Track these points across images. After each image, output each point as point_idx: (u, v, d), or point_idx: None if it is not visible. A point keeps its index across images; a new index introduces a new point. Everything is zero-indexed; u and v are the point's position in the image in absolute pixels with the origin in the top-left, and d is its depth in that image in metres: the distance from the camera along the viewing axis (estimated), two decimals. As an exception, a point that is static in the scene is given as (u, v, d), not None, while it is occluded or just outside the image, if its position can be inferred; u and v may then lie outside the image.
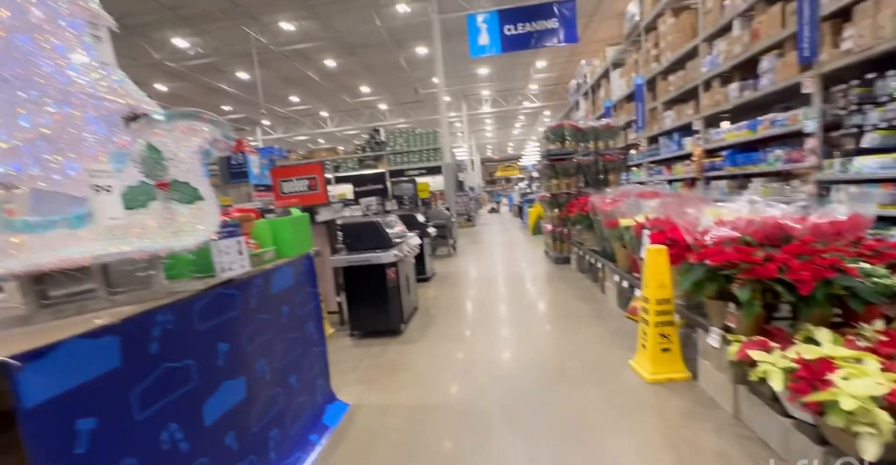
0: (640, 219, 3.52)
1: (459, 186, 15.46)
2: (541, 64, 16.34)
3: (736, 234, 2.40)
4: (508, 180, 37.14)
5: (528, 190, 17.72)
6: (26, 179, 1.43)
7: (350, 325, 4.21)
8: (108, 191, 1.32)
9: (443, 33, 10.84)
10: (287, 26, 11.34)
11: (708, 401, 2.47)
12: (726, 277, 2.19)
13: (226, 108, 18.36)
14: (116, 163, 1.38)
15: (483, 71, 16.94)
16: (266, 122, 20.70)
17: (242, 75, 14.58)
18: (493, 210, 24.76)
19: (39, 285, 1.32)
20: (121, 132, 1.61)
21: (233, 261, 1.80)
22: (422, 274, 6.14)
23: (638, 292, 3.77)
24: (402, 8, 10.71)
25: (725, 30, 5.48)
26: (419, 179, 9.95)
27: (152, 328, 1.33)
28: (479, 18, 9.41)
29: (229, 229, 1.77)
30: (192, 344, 1.50)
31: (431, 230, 6.59)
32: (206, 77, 14.37)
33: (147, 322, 1.31)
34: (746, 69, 5.22)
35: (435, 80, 16.00)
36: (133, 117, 1.78)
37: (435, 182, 12.05)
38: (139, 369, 1.28)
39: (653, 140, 8.45)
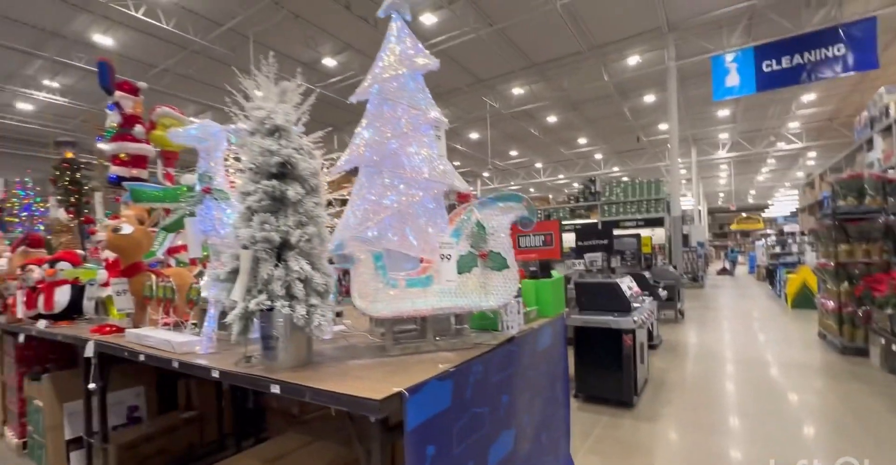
0: None
1: (684, 240, 13.64)
2: (808, 98, 13.44)
3: None
4: (747, 235, 30.71)
5: (781, 249, 14.33)
6: (384, 242, 1.95)
7: (575, 385, 4.08)
8: (448, 259, 1.69)
9: (677, 78, 10.20)
10: (518, 91, 12.63)
11: None
12: None
13: (455, 163, 21.33)
14: (454, 236, 1.76)
15: (723, 113, 15.00)
16: (485, 173, 23.07)
17: (473, 135, 16.81)
18: (724, 271, 20.61)
19: (394, 326, 1.76)
20: (443, 207, 2.06)
21: (513, 320, 2.01)
22: (649, 340, 5.54)
23: None
24: (633, 60, 10.62)
25: None
26: (639, 232, 9.26)
27: (470, 376, 1.59)
28: (728, 58, 8.49)
29: (514, 291, 1.99)
30: (488, 393, 1.72)
31: (662, 293, 5.95)
32: (446, 140, 17.13)
33: (468, 370, 1.58)
34: None
35: (663, 126, 15.03)
36: (449, 195, 2.26)
37: (654, 235, 11.02)
38: (459, 410, 1.53)
39: None
